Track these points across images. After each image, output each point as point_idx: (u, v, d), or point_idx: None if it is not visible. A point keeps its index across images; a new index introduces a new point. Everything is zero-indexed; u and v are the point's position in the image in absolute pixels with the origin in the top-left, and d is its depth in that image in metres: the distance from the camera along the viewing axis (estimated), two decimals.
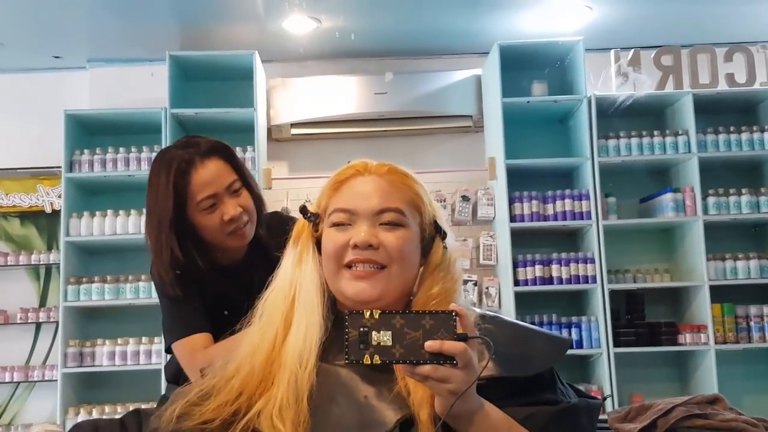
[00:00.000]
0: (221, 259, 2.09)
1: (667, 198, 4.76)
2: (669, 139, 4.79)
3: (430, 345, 1.08)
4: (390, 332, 1.09)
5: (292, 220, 1.75)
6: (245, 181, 2.03)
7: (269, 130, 5.14)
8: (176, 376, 2.04)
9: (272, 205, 2.24)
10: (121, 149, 4.84)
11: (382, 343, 1.09)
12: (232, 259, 2.10)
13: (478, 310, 1.32)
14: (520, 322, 1.39)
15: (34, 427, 1.30)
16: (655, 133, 4.82)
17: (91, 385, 4.90)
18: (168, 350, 2.07)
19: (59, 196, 4.92)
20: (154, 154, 4.70)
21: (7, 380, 4.93)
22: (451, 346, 1.08)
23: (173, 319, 2.05)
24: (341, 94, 5.06)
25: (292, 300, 1.31)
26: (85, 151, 4.83)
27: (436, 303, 1.26)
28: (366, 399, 1.24)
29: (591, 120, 4.77)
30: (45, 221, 5.21)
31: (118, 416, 4.21)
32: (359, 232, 1.27)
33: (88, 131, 5.05)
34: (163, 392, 4.48)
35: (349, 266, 1.28)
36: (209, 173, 1.94)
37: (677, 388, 4.86)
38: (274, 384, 1.24)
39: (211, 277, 2.04)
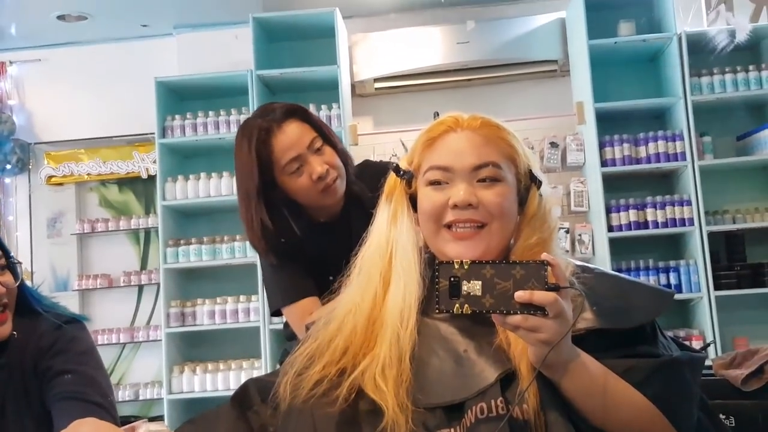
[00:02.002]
0: (318, 216, 2.11)
1: (766, 134, 4.57)
2: (765, 73, 4.61)
3: (520, 295, 1.07)
4: (480, 282, 1.09)
5: (383, 167, 1.80)
6: (326, 138, 2.04)
7: (353, 86, 5.15)
8: (293, 336, 2.12)
9: (359, 161, 2.24)
10: (211, 113, 4.94)
11: (472, 293, 1.09)
12: (330, 214, 2.11)
13: (578, 262, 1.31)
14: (622, 274, 1.36)
15: (139, 428, 1.35)
16: (751, 67, 4.64)
17: (194, 343, 5.06)
18: (274, 314, 2.13)
19: (154, 162, 5.06)
20: (242, 116, 4.86)
21: (114, 341, 5.13)
22: (541, 296, 1.07)
23: (277, 285, 2.10)
24: (423, 46, 5.02)
25: (389, 258, 1.31)
26: (176, 116, 4.95)
27: (533, 253, 1.25)
28: (466, 353, 1.24)
29: (682, 58, 4.62)
30: (142, 186, 5.39)
31: (221, 373, 4.30)
32: (458, 191, 1.26)
33: (178, 97, 5.17)
34: (262, 347, 4.62)
35: (448, 226, 1.27)
36: (289, 136, 1.97)
37: None
38: (377, 343, 1.26)
39: (311, 237, 2.06)
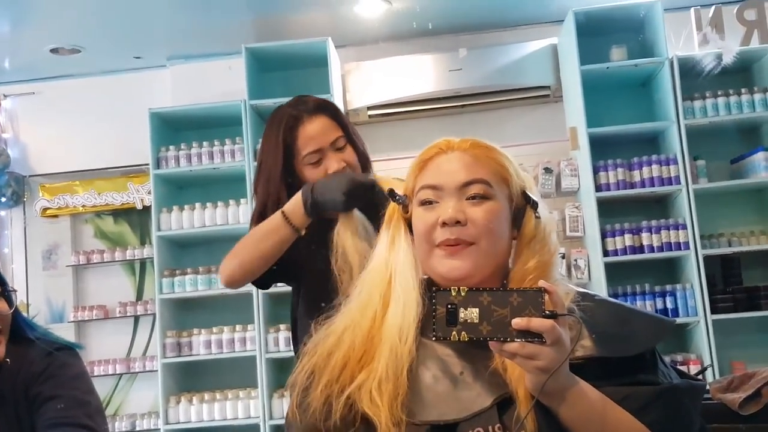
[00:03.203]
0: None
1: (759, 157, 4.58)
2: (758, 96, 4.61)
3: (517, 322, 1.07)
4: (477, 309, 1.09)
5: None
6: (350, 138, 2.12)
7: (346, 115, 5.15)
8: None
9: None
10: (205, 143, 4.96)
11: (469, 320, 1.09)
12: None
13: (579, 289, 1.31)
14: (622, 302, 1.36)
15: None
16: (743, 90, 4.64)
17: (190, 373, 5.05)
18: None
19: (149, 193, 5.06)
20: (237, 146, 4.87)
21: (110, 372, 5.11)
22: (538, 323, 1.07)
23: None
24: (416, 74, 5.04)
25: (389, 280, 1.32)
26: (171, 147, 4.96)
27: (533, 277, 1.25)
28: (462, 375, 1.24)
29: (674, 82, 4.63)
30: (137, 217, 5.39)
31: (218, 403, 4.28)
32: (446, 208, 1.27)
33: (173, 128, 5.18)
34: (258, 377, 4.60)
35: (439, 246, 1.28)
36: (315, 129, 2.06)
37: None
38: (374, 358, 1.26)
39: (318, 229, 2.09)
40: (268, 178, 2.09)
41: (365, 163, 2.16)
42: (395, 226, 1.37)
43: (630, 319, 1.28)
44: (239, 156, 4.90)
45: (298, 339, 2.21)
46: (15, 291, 1.80)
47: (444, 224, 1.26)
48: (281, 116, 2.09)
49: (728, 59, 4.55)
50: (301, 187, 2.04)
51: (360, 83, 5.09)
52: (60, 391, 1.70)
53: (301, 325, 2.18)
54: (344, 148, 2.09)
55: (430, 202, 1.30)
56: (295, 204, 2.00)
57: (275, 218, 2.00)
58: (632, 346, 1.23)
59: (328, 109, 2.12)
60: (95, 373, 5.03)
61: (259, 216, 2.09)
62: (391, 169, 4.66)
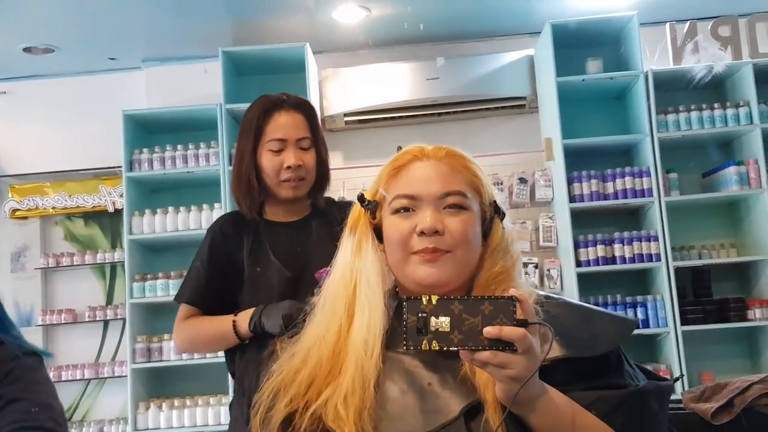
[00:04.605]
0: (270, 213, 2.24)
1: (731, 171, 4.65)
2: (730, 111, 4.68)
3: (488, 331, 1.06)
4: (448, 318, 1.08)
5: (348, 203, 1.88)
6: (316, 143, 2.21)
7: (323, 121, 5.14)
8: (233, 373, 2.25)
9: (328, 194, 2.35)
10: (179, 146, 4.91)
11: (440, 329, 1.08)
12: (288, 215, 2.24)
13: (541, 291, 1.31)
14: (584, 303, 1.36)
15: None
16: (716, 105, 4.71)
17: (160, 379, 4.99)
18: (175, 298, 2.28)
19: (121, 196, 5.01)
20: (211, 150, 4.84)
21: (78, 377, 5.02)
22: (510, 331, 1.06)
23: (185, 280, 2.25)
24: (393, 82, 5.04)
25: (354, 289, 1.31)
26: (144, 150, 4.91)
27: (497, 282, 1.27)
28: (429, 386, 1.23)
29: (649, 95, 4.68)
30: (108, 220, 5.32)
31: (187, 409, 4.24)
32: (424, 218, 1.27)
33: (147, 130, 5.12)
34: (230, 384, 4.56)
35: (415, 254, 1.27)
36: (287, 120, 2.16)
37: (748, 364, 4.76)
38: (341, 372, 1.25)
39: (268, 229, 2.21)
40: (241, 158, 2.19)
41: (324, 173, 2.24)
42: (362, 232, 1.35)
43: (593, 320, 1.29)
44: (214, 160, 4.86)
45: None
46: None
47: (422, 233, 1.26)
48: (264, 100, 2.20)
49: (720, 68, 4.61)
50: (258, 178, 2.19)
51: (337, 90, 5.08)
52: (25, 394, 1.65)
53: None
54: (308, 150, 2.18)
55: (407, 209, 1.29)
56: (244, 319, 2.08)
57: (226, 326, 2.11)
58: (597, 347, 1.24)
59: (306, 109, 2.21)
60: (63, 378, 4.95)
61: (236, 187, 2.21)
62: (367, 176, 4.69)
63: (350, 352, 1.25)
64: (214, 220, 4.68)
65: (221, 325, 2.12)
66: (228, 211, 4.67)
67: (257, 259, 2.16)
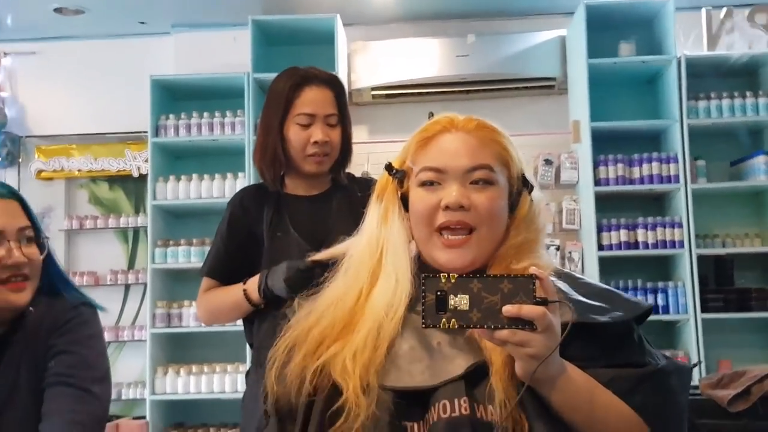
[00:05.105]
0: (291, 186, 2.25)
1: (759, 161, 4.61)
2: (762, 101, 4.64)
3: (507, 309, 1.06)
4: (467, 296, 1.07)
5: (371, 180, 2.00)
6: (343, 120, 2.22)
7: (350, 94, 5.12)
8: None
9: (352, 168, 2.37)
10: (205, 114, 4.91)
11: (459, 308, 1.07)
12: (304, 189, 2.25)
13: (557, 267, 1.31)
14: (599, 283, 1.36)
15: None
16: (748, 94, 4.67)
17: (179, 345, 5.03)
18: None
19: (146, 161, 5.01)
20: (237, 119, 4.83)
21: None
22: (529, 310, 1.05)
23: (207, 254, 2.31)
24: (422, 57, 5.00)
25: (379, 257, 1.31)
26: (171, 115, 4.91)
27: (518, 252, 1.26)
28: (438, 345, 1.23)
29: (680, 81, 4.63)
30: (132, 185, 5.33)
31: (205, 375, 4.29)
32: (450, 192, 1.25)
33: (173, 96, 5.12)
34: (248, 353, 4.60)
35: (440, 230, 1.27)
36: (317, 95, 2.16)
37: (767, 354, 4.75)
38: (354, 331, 1.25)
39: (288, 202, 2.22)
40: (267, 128, 2.19)
41: (348, 150, 2.26)
42: (389, 201, 1.34)
43: (607, 296, 1.28)
44: (239, 129, 4.86)
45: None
46: (48, 239, 1.81)
47: (447, 208, 1.25)
48: (293, 72, 2.21)
49: (743, 58, 4.56)
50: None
51: (366, 63, 5.05)
52: (74, 347, 1.72)
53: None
54: (335, 126, 2.19)
55: (432, 183, 1.28)
56: (253, 286, 2.11)
57: (237, 294, 2.14)
58: (611, 314, 1.23)
59: (335, 86, 2.21)
60: None
61: (261, 157, 2.21)
62: (391, 151, 4.67)
63: (368, 313, 1.26)
64: (237, 188, 4.74)
65: (234, 294, 2.15)
66: (252, 181, 4.71)
67: (277, 232, 2.18)
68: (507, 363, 1.15)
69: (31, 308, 1.72)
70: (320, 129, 2.14)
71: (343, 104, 2.22)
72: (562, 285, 1.24)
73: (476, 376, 1.18)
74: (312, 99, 2.15)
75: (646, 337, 1.28)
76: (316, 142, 2.14)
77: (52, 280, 1.80)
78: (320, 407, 1.21)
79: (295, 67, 2.24)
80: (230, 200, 2.30)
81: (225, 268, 2.22)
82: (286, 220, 2.18)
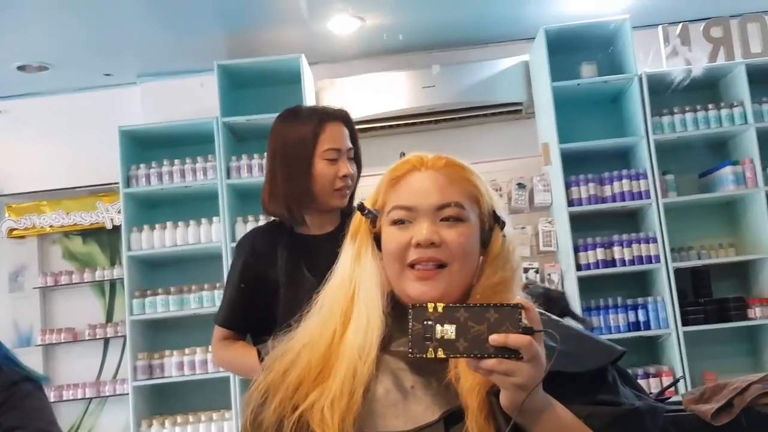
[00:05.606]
0: (312, 227, 2.25)
1: (727, 171, 4.68)
2: (724, 112, 4.71)
3: (494, 338, 1.06)
4: (454, 326, 1.07)
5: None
6: (357, 156, 2.27)
7: None
8: None
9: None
10: (176, 161, 4.90)
11: (446, 337, 1.07)
12: (323, 225, 2.24)
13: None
14: (573, 325, 1.39)
15: None
16: (710, 106, 4.74)
17: (163, 396, 4.95)
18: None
19: (118, 212, 4.98)
20: (209, 164, 4.83)
21: (79, 397, 4.99)
22: (516, 339, 1.06)
23: (222, 302, 2.30)
24: (390, 91, 5.05)
25: (352, 296, 1.31)
26: (141, 165, 4.89)
27: (495, 292, 1.26)
28: (413, 389, 1.23)
29: (643, 98, 4.71)
30: (106, 237, 5.28)
31: (191, 425, 4.20)
32: (420, 229, 1.26)
33: (143, 146, 5.10)
34: (232, 399, 4.55)
35: (412, 266, 1.27)
36: (340, 131, 2.20)
37: (750, 363, 4.78)
38: (330, 375, 1.24)
39: (296, 243, 2.22)
40: (291, 167, 2.16)
41: (356, 183, 2.29)
42: (362, 240, 1.34)
43: (582, 341, 1.30)
44: (211, 174, 4.85)
45: None
46: None
47: (418, 245, 1.26)
48: (310, 111, 2.25)
49: (698, 71, 4.66)
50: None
51: (334, 100, 5.00)
52: (23, 422, 1.67)
53: None
54: (352, 160, 2.23)
55: (403, 222, 1.29)
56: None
57: (253, 364, 2.11)
58: (584, 365, 1.24)
59: (350, 124, 2.26)
60: (64, 398, 4.93)
61: (287, 197, 2.17)
62: (365, 185, 4.69)
63: (342, 356, 1.25)
64: (213, 234, 4.75)
65: (249, 362, 2.15)
66: (227, 226, 4.70)
67: (292, 277, 2.16)
68: (482, 407, 1.15)
69: None
70: (345, 163, 2.18)
71: (355, 142, 2.26)
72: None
73: (453, 420, 1.18)
74: (337, 134, 2.19)
75: (622, 377, 1.31)
76: (344, 176, 2.16)
77: None
78: None
79: (304, 107, 2.32)
80: (239, 245, 2.29)
81: (239, 318, 2.24)
82: (302, 264, 2.16)
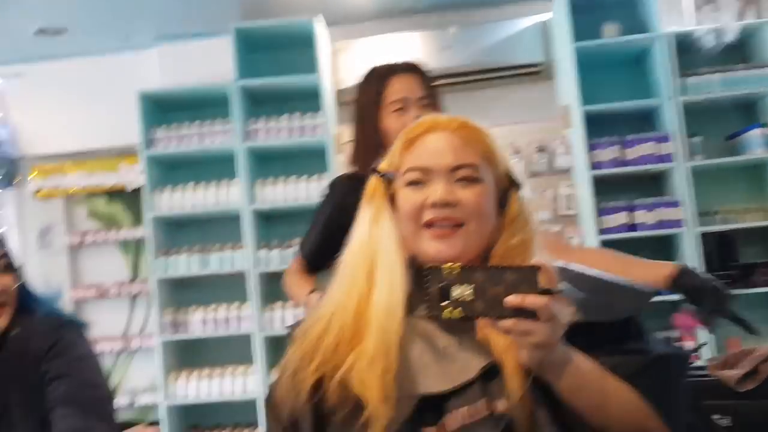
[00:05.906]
0: None
1: (756, 134, 4.51)
2: (754, 72, 4.51)
3: (511, 299, 1.08)
4: (471, 286, 1.09)
5: None
6: (434, 102, 2.30)
7: (337, 94, 5.10)
8: None
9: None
10: (196, 123, 4.93)
11: (462, 298, 1.09)
12: None
13: (559, 263, 1.30)
14: (604, 275, 1.35)
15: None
16: (739, 66, 4.55)
17: (188, 350, 5.09)
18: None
19: (141, 173, 5.04)
20: (227, 126, 4.83)
21: (108, 350, 5.16)
22: (532, 300, 1.08)
23: (309, 233, 2.47)
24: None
25: (373, 258, 1.32)
26: (161, 127, 4.93)
27: (514, 254, 1.26)
28: (446, 349, 1.24)
29: (669, 58, 4.53)
30: (130, 198, 5.36)
31: (216, 378, 4.35)
32: (435, 190, 1.27)
33: (162, 108, 5.12)
34: (256, 354, 4.66)
35: (428, 226, 1.28)
36: (403, 81, 2.27)
37: None
38: (364, 338, 1.26)
39: None
40: (363, 126, 2.31)
41: None
42: (378, 202, 1.35)
43: (611, 291, 1.30)
44: (229, 136, 4.87)
45: None
46: (21, 266, 1.87)
47: (433, 205, 1.26)
48: (376, 69, 2.35)
49: (730, 37, 4.45)
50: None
51: (350, 62, 5.02)
52: (67, 370, 1.74)
53: None
54: (427, 107, 2.23)
55: (418, 183, 1.30)
56: (314, 299, 2.27)
57: (302, 292, 2.36)
58: (614, 313, 1.25)
59: (419, 70, 2.33)
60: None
61: (355, 159, 2.34)
62: None
63: (372, 317, 1.26)
64: (231, 195, 4.78)
65: (301, 291, 2.37)
66: (245, 186, 4.73)
67: None
68: (519, 365, 1.16)
69: (13, 329, 1.77)
70: (415, 110, 2.22)
71: (428, 86, 2.31)
72: (564, 287, 1.24)
73: (489, 375, 1.20)
74: (400, 85, 2.26)
75: (644, 327, 1.30)
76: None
77: (29, 304, 1.85)
78: (342, 419, 1.23)
79: (374, 67, 2.39)
80: (330, 190, 2.42)
81: (319, 257, 2.37)
82: None
